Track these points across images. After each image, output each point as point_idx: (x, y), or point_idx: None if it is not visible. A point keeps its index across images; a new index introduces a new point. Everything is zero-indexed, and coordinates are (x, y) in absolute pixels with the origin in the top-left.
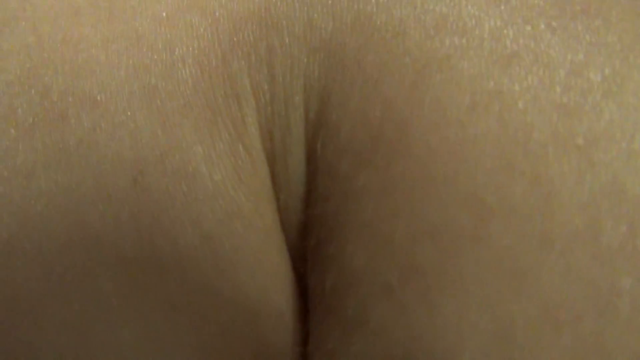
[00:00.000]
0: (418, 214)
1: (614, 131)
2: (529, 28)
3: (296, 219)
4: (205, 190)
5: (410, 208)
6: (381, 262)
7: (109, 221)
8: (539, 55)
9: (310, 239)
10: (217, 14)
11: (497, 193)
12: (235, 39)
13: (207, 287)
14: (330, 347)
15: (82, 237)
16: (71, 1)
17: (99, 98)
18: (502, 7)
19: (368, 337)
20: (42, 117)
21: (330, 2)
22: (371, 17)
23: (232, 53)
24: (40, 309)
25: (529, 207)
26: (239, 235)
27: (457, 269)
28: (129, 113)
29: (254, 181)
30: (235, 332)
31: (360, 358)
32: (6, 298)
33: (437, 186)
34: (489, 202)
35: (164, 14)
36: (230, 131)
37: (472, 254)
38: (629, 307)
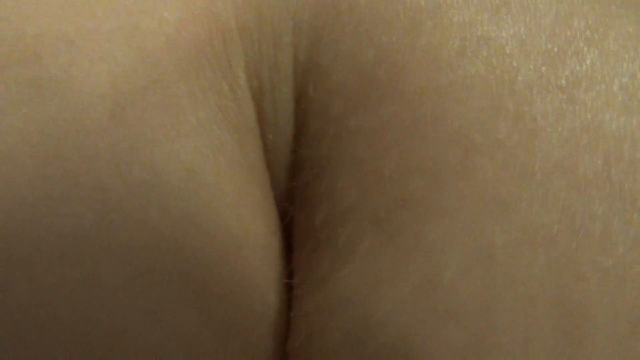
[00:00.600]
0: (408, 150)
1: (595, 74)
2: None
3: (284, 158)
4: (188, 126)
5: (401, 146)
6: (371, 196)
7: (85, 153)
8: (526, 4)
9: (299, 178)
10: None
11: (483, 130)
12: None
13: (189, 218)
14: (319, 275)
15: (57, 169)
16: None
17: (75, 38)
18: None
19: (357, 263)
20: (15, 58)
21: None
22: None
23: None
24: (12, 241)
25: (512, 142)
26: (222, 170)
27: (443, 199)
28: (107, 50)
29: (238, 119)
30: (219, 265)
31: (348, 282)
32: None
33: (427, 125)
34: (475, 138)
35: None
36: (215, 69)
37: (458, 185)
38: (600, 231)
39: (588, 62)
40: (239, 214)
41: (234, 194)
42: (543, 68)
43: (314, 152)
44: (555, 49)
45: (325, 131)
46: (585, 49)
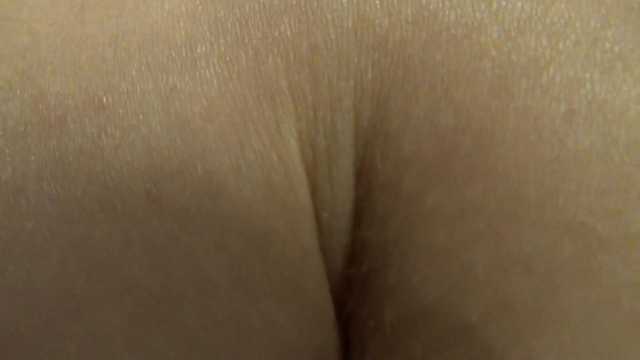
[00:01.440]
0: (506, 241)
1: None
2: (631, 28)
3: (341, 241)
4: (232, 207)
5: (496, 234)
6: (460, 296)
7: (115, 242)
8: None
9: (360, 266)
10: (246, 7)
11: (609, 220)
12: (269, 34)
13: (234, 317)
14: None
15: (82, 262)
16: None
17: (105, 100)
18: (596, 6)
19: None
20: (36, 124)
21: None
22: (437, 14)
23: (266, 50)
24: (30, 351)
25: None
26: (271, 259)
27: (558, 308)
28: (141, 117)
29: (290, 197)
30: None
31: None
32: None
33: (530, 209)
34: (598, 229)
35: (183, 8)
36: (263, 138)
37: (578, 290)
38: None
39: None
40: (290, 312)
41: (284, 285)
42: None
43: (379, 236)
44: None
45: (393, 211)
46: None
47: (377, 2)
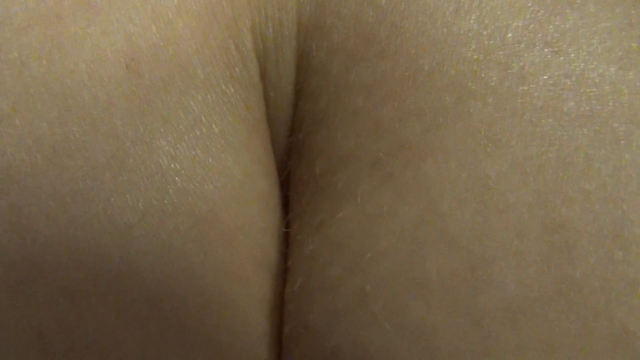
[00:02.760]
0: (406, 98)
1: (577, 31)
2: None
3: (284, 114)
4: (197, 80)
5: (399, 94)
6: (370, 142)
7: (101, 101)
8: None
9: (299, 133)
10: None
11: (476, 78)
12: None
13: (196, 161)
14: (318, 220)
15: (75, 115)
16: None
17: (93, 1)
18: None
19: (357, 203)
20: (37, 19)
21: None
22: None
23: None
24: (31, 177)
25: (503, 88)
26: (227, 122)
27: (439, 140)
28: (123, 11)
29: (244, 77)
30: (222, 209)
31: (347, 222)
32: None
33: (424, 75)
34: (469, 85)
35: None
36: (223, 30)
37: (453, 126)
38: (583, 159)
39: (571, 21)
40: (243, 163)
41: (238, 145)
42: (531, 26)
43: (314, 107)
44: (542, 11)
45: (324, 87)
46: (569, 11)
47: None
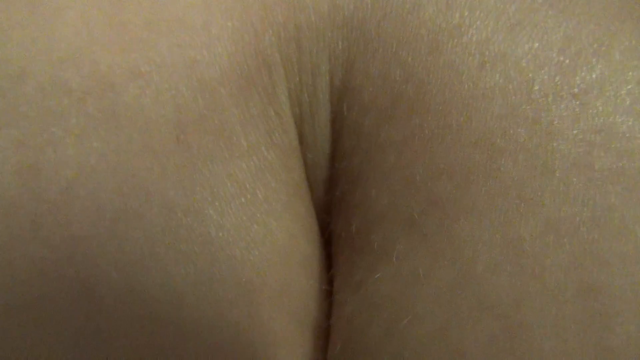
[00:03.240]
0: (435, 157)
1: (604, 82)
2: (529, 2)
3: (322, 174)
4: (240, 149)
5: (429, 153)
6: (403, 200)
7: (155, 172)
8: (538, 23)
9: (336, 191)
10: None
11: (505, 135)
12: (266, 19)
13: (243, 228)
14: (357, 279)
15: (133, 186)
16: (97, 66)
17: (143, 69)
18: None
19: (392, 264)
20: (92, 88)
21: None
22: None
23: (264, 31)
24: (95, 249)
25: (532, 144)
26: (270, 187)
27: (471, 199)
28: (171, 82)
29: (283, 141)
30: (268, 272)
31: (384, 283)
32: (64, 237)
33: (452, 133)
34: (498, 142)
35: (200, 1)
36: (262, 97)
37: (484, 186)
38: (618, 220)
39: (597, 71)
40: (287, 227)
41: (281, 209)
42: (557, 78)
43: (349, 166)
44: (567, 61)
45: (357, 145)
46: (594, 60)
47: None
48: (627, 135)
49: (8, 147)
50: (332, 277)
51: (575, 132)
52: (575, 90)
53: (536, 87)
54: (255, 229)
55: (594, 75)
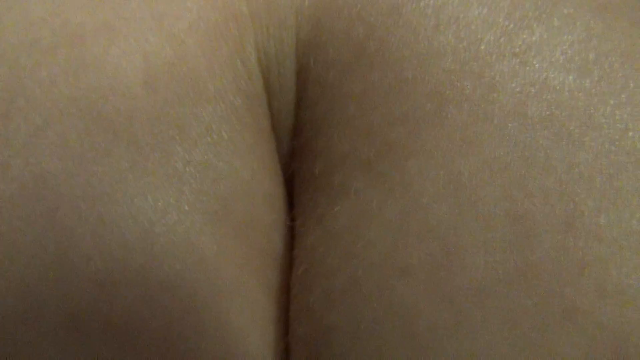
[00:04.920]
0: (392, 107)
1: (542, 44)
2: None
3: (287, 121)
4: (207, 93)
5: (386, 103)
6: (362, 144)
7: (123, 113)
8: None
9: (300, 137)
10: None
11: (453, 87)
12: None
13: (210, 165)
14: (317, 214)
15: (100, 126)
16: (67, 23)
17: (112, 23)
18: None
19: (350, 199)
20: (63, 41)
21: None
22: None
23: None
24: (62, 180)
25: (475, 96)
26: (235, 129)
27: (421, 142)
28: (140, 33)
29: (249, 89)
30: (235, 204)
31: (342, 215)
32: (33, 175)
33: (408, 85)
34: (446, 93)
35: None
36: (230, 47)
37: (433, 130)
38: (543, 158)
39: (537, 35)
40: (250, 166)
41: (245, 149)
42: (501, 39)
43: (312, 115)
44: (511, 25)
45: (321, 96)
46: (535, 25)
47: None
48: (558, 88)
49: None
50: (294, 215)
51: (513, 85)
52: (517, 50)
53: (482, 47)
54: (220, 165)
55: (533, 38)
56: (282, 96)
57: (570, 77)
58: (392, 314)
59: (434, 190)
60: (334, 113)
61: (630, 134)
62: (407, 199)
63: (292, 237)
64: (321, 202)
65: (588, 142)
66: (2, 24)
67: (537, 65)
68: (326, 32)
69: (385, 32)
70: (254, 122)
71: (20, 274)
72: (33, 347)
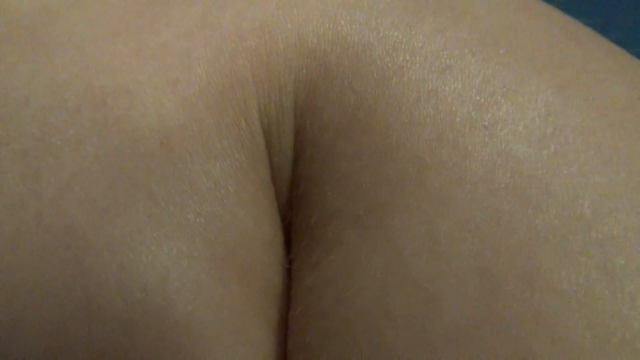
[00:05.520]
0: (379, 167)
1: (508, 117)
2: (456, 51)
3: (286, 175)
4: (216, 151)
5: (374, 164)
6: (353, 201)
7: (141, 170)
8: (463, 68)
9: (297, 190)
10: (225, 28)
11: (432, 154)
12: (240, 45)
13: (218, 218)
14: (314, 260)
15: (122, 183)
16: (109, 24)
17: (130, 88)
18: (440, 37)
19: (342, 250)
20: (87, 103)
21: (315, 23)
22: (347, 37)
23: (238, 55)
24: (88, 234)
25: (451, 162)
26: (240, 183)
27: (404, 202)
28: (155, 97)
29: (253, 147)
30: (241, 252)
31: (336, 263)
32: (63, 226)
33: (392, 150)
34: (426, 159)
35: (182, 31)
36: (235, 110)
37: (414, 191)
38: (507, 220)
39: (504, 109)
40: (253, 215)
41: (248, 201)
42: (473, 112)
43: (309, 171)
44: (482, 100)
45: (317, 155)
46: (502, 100)
47: (310, 27)
48: (521, 158)
49: (14, 158)
50: (292, 259)
51: (483, 154)
52: (486, 122)
53: (457, 119)
54: (226, 216)
55: (500, 113)
56: (282, 153)
57: (531, 149)
58: (379, 355)
59: (415, 246)
60: (327, 171)
61: (580, 201)
62: (391, 252)
63: (289, 278)
64: (316, 250)
65: (545, 207)
66: (31, 87)
67: (503, 137)
68: (321, 99)
69: (373, 102)
70: (256, 176)
71: (53, 316)
72: None
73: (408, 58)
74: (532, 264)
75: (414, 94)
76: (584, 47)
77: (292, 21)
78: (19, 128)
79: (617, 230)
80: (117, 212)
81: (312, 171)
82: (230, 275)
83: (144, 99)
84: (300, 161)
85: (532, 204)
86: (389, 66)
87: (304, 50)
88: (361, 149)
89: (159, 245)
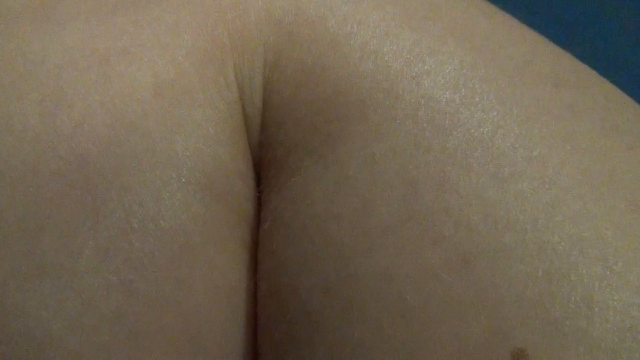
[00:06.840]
0: (330, 110)
1: (430, 70)
2: (392, 22)
3: (256, 121)
4: (199, 100)
5: (327, 107)
6: (310, 136)
7: (138, 113)
8: (397, 34)
9: (266, 133)
10: (207, 5)
11: (371, 98)
12: (220, 17)
13: (198, 149)
14: (279, 184)
15: (121, 129)
16: (109, 3)
17: (130, 49)
18: (380, 11)
19: (301, 173)
20: (94, 63)
21: (281, 0)
22: (306, 11)
23: (218, 25)
24: (97, 158)
25: (386, 103)
26: (219, 126)
27: (350, 134)
28: (150, 57)
29: (229, 98)
30: (217, 186)
31: (295, 185)
32: (75, 155)
33: (341, 96)
34: (367, 102)
35: (172, 8)
36: (215, 68)
37: (358, 126)
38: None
39: (428, 64)
40: (229, 152)
41: (226, 141)
42: (404, 67)
43: (275, 117)
44: (411, 58)
45: (281, 104)
46: (427, 58)
47: (277, 3)
48: (438, 100)
49: (32, 104)
50: (261, 189)
51: (410, 97)
52: (414, 74)
53: (392, 72)
54: (208, 152)
55: (425, 67)
56: (253, 104)
57: (447, 94)
58: (329, 247)
59: (357, 165)
60: (290, 115)
61: (481, 128)
62: (339, 172)
63: (259, 205)
64: (280, 178)
65: (454, 133)
66: (46, 50)
67: (426, 85)
68: (285, 59)
69: (326, 61)
70: (232, 121)
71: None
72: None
73: (355, 27)
74: (443, 174)
75: (359, 54)
76: (492, 21)
77: None
78: (37, 81)
79: (505, 146)
80: (118, 144)
81: (278, 117)
82: (210, 199)
83: (140, 59)
84: (268, 109)
85: (445, 131)
86: (339, 33)
87: (272, 21)
88: (317, 96)
89: (153, 172)
